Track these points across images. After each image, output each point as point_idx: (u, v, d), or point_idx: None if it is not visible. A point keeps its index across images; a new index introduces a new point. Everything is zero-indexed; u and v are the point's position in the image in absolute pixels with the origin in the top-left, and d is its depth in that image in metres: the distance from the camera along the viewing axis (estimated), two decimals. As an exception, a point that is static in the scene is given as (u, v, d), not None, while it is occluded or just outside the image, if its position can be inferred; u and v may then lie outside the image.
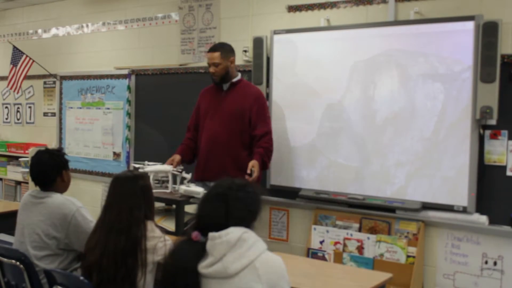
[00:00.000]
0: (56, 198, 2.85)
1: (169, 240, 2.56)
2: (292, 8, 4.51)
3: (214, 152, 3.88)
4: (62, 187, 2.96)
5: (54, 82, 6.44)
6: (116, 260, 2.35)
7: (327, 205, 4.20)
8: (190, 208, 3.95)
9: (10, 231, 4.50)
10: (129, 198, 2.46)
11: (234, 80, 3.95)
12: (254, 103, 3.87)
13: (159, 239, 2.49)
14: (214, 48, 3.94)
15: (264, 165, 3.82)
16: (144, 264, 2.39)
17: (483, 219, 3.63)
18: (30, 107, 6.84)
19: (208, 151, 3.91)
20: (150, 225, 2.49)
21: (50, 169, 2.90)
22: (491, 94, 3.49)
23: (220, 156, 3.85)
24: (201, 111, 4.04)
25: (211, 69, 3.90)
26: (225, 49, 3.92)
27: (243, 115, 3.86)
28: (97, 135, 5.95)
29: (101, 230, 2.45)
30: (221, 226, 2.00)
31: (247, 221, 2.07)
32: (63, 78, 6.30)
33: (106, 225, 2.45)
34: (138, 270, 2.37)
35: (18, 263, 2.69)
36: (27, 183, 6.31)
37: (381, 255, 3.84)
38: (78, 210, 2.81)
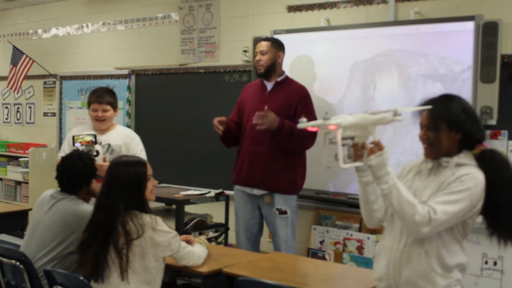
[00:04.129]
0: (72, 200, 2.87)
1: (178, 236, 2.60)
2: (292, 8, 4.51)
3: (257, 158, 3.64)
4: (84, 193, 2.96)
5: (54, 82, 6.44)
6: (100, 238, 2.42)
7: (327, 205, 4.20)
8: (190, 208, 3.95)
9: (10, 231, 4.52)
10: (119, 183, 2.50)
11: (279, 79, 3.72)
12: (300, 101, 3.62)
13: (170, 234, 2.52)
14: (266, 38, 3.85)
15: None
16: (124, 247, 2.41)
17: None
18: (30, 107, 6.84)
19: (251, 156, 3.67)
20: (158, 220, 2.52)
21: (81, 178, 2.90)
22: (491, 94, 3.49)
23: (263, 161, 3.63)
24: (245, 110, 3.77)
25: (257, 57, 3.68)
26: (276, 42, 3.76)
27: (288, 116, 3.58)
28: (97, 135, 5.93)
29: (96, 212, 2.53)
30: None
31: None
32: (63, 78, 6.30)
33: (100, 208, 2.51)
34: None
35: (18, 263, 2.70)
36: (27, 183, 6.30)
37: (381, 255, 3.83)
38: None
